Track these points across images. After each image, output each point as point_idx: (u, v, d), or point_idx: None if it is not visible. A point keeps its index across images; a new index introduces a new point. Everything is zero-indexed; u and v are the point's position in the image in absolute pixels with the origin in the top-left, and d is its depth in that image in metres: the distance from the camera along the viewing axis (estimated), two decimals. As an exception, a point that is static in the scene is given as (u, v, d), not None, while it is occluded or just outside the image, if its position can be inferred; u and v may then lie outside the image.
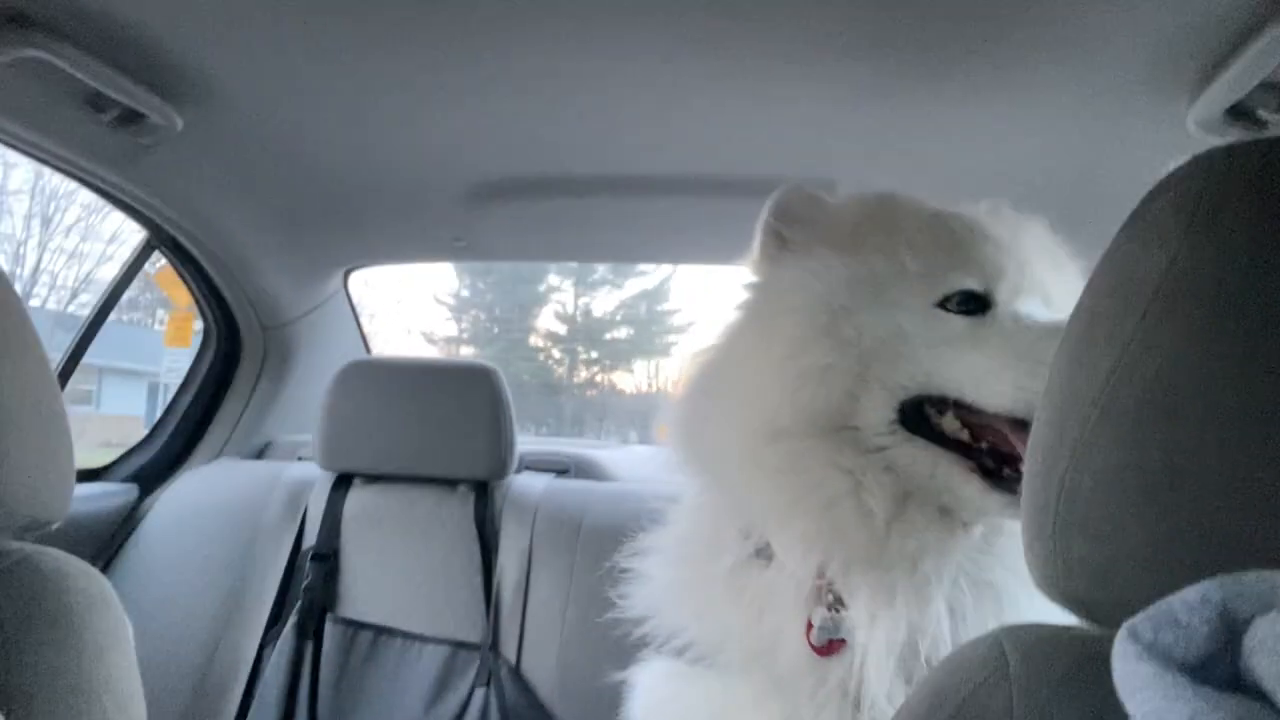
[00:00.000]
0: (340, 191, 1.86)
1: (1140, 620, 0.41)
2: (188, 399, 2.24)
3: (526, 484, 1.95)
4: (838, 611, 0.91)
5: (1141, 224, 0.51)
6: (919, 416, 0.92)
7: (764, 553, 0.98)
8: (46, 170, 1.62)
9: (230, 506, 1.98)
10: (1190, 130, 1.21)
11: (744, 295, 1.05)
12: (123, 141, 1.49)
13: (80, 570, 0.75)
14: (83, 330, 1.99)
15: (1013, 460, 0.88)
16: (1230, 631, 0.39)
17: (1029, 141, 1.43)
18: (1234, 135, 1.19)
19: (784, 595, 0.94)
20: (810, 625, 0.92)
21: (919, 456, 0.90)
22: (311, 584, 1.84)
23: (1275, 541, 0.44)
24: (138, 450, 2.17)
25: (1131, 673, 0.40)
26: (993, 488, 0.87)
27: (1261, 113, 1.16)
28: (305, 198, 1.88)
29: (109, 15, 1.17)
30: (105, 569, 1.95)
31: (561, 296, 6.59)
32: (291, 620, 1.82)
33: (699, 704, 0.99)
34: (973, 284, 0.93)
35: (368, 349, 2.62)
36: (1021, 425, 0.86)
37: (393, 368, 1.99)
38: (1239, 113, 1.17)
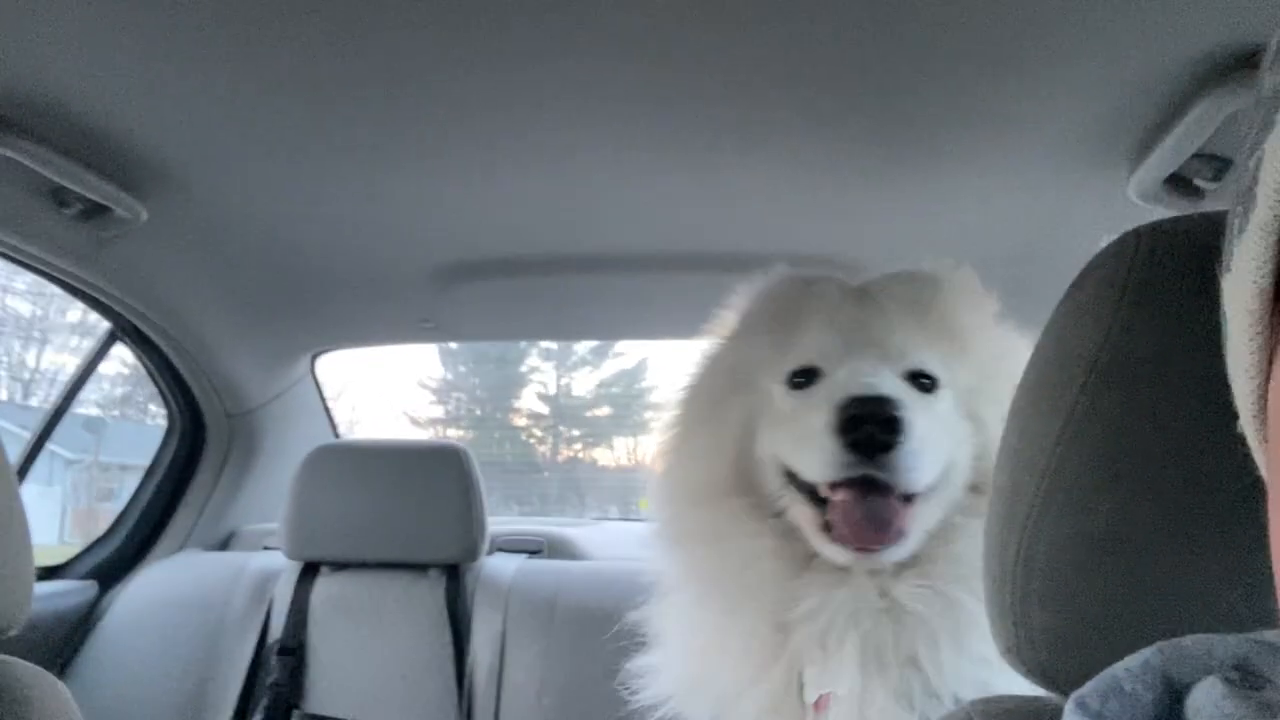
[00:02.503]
0: (306, 276, 1.86)
1: (1088, 690, 0.41)
2: (150, 491, 2.18)
3: (498, 566, 1.91)
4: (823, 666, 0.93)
5: (1077, 299, 0.53)
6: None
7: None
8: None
9: (193, 600, 1.93)
10: (1131, 199, 1.25)
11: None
12: (87, 234, 1.48)
13: (38, 679, 0.73)
14: (44, 422, 1.95)
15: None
16: (1172, 697, 0.39)
17: (977, 210, 1.46)
18: (1173, 203, 1.22)
19: (775, 653, 0.97)
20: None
21: (800, 514, 0.97)
22: (278, 679, 1.79)
23: (1217, 602, 0.45)
24: (97, 545, 2.11)
25: None
26: (829, 539, 0.93)
27: (1198, 182, 1.20)
28: (270, 283, 1.88)
29: (74, 111, 1.18)
30: (63, 670, 1.88)
31: (542, 377, 6.65)
32: (257, 718, 1.76)
33: None
34: (809, 359, 1.00)
35: (336, 433, 2.59)
36: (837, 486, 0.92)
37: (360, 451, 1.97)
38: (1177, 181, 1.21)
